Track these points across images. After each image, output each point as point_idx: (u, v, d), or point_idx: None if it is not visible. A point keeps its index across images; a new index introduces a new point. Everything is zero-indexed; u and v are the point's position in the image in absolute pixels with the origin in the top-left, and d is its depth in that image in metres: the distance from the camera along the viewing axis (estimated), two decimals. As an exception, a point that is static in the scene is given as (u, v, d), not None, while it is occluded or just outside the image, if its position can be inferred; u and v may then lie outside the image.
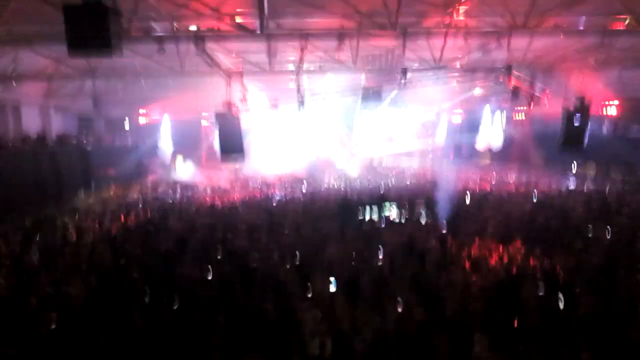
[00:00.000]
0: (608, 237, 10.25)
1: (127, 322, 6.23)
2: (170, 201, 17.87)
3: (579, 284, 7.38)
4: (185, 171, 24.65)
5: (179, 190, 20.05)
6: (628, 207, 13.64)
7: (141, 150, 23.33)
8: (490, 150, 27.64)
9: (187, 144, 25.78)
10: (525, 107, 22.31)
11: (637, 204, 14.01)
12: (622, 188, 17.85)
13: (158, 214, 15.00)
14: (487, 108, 26.83)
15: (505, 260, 9.23)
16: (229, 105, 15.07)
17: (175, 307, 6.82)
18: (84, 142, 20.87)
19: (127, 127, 24.57)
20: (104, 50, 6.44)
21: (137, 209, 15.94)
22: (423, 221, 12.93)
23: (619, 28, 11.72)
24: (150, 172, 23.51)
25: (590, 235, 10.53)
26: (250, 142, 25.92)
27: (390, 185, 21.45)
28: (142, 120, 24.61)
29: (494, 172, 23.89)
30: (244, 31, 11.04)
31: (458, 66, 15.01)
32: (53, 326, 6.16)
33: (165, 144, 24.77)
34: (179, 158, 25.56)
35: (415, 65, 14.51)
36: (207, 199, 18.39)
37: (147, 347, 5.60)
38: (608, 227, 10.67)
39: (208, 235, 11.45)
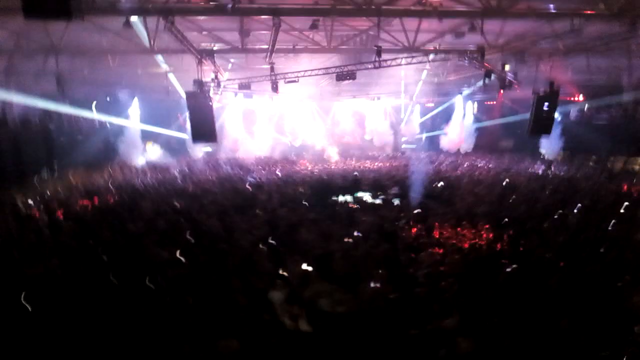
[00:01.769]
0: (573, 220, 10.52)
1: (92, 303, 6.02)
2: (140, 183, 17.40)
3: (545, 261, 7.57)
4: (155, 153, 24.05)
5: (148, 172, 19.55)
6: (592, 192, 14.09)
7: (108, 131, 22.55)
8: (460, 136, 28.01)
9: (156, 125, 25.05)
10: (495, 93, 22.82)
11: (600, 189, 14.51)
12: (588, 173, 18.44)
13: (127, 196, 14.59)
14: (458, 97, 27.09)
15: (475, 241, 9.41)
16: (201, 84, 14.73)
17: (143, 289, 6.60)
18: (47, 122, 20.02)
19: (93, 108, 23.58)
20: (62, 13, 6.02)
21: (105, 191, 15.46)
22: (395, 204, 13.01)
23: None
24: (119, 153, 22.75)
25: (555, 218, 10.77)
26: (223, 123, 25.59)
27: (363, 169, 21.55)
28: (109, 100, 23.69)
29: (464, 157, 24.27)
30: (214, 5, 10.70)
31: (432, 48, 15.02)
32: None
33: (134, 125, 23.97)
34: (149, 139, 24.88)
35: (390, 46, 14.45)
36: (178, 180, 18.01)
37: (114, 330, 5.40)
38: (573, 210, 11.04)
39: (179, 217, 11.20)
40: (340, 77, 15.01)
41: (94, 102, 22.62)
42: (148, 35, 14.02)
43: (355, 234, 9.18)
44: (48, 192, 14.52)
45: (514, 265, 7.09)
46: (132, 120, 23.89)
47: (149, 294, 6.49)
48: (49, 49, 15.57)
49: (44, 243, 8.94)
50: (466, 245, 9.13)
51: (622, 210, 11.01)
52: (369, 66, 14.08)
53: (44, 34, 14.94)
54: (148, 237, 9.26)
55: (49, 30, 14.69)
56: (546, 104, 15.22)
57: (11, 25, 14.06)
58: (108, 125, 22.53)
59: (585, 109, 21.54)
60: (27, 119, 18.98)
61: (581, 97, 20.86)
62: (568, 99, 20.25)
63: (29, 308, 5.93)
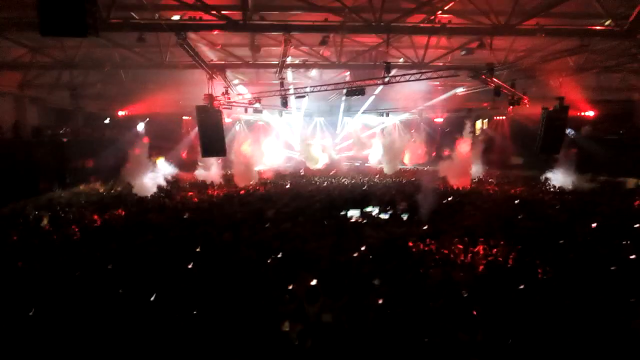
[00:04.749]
0: (586, 236, 10.40)
1: (101, 316, 6.02)
2: (150, 196, 17.52)
3: (558, 278, 7.47)
4: (165, 166, 24.23)
5: (158, 185, 19.70)
6: (605, 207, 13.92)
7: (120, 145, 22.82)
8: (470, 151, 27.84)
9: (167, 139, 25.34)
10: (505, 109, 22.82)
11: (613, 205, 14.34)
12: (599, 189, 18.22)
13: (137, 209, 14.68)
14: (468, 111, 26.99)
15: (485, 257, 9.29)
16: (211, 98, 14.91)
17: (150, 301, 6.58)
18: (60, 135, 20.33)
19: (106, 121, 23.99)
20: (77, 30, 6.16)
21: (116, 203, 15.59)
22: (404, 218, 12.94)
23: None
24: (129, 166, 23.02)
25: (568, 234, 10.64)
26: (234, 136, 25.81)
27: (372, 183, 21.53)
28: (121, 114, 24.10)
29: (474, 172, 24.05)
30: (226, 21, 10.86)
31: (441, 64, 15.10)
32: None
33: (145, 139, 24.25)
34: (159, 153, 25.11)
35: (400, 61, 14.56)
36: (188, 193, 18.14)
37: (121, 344, 5.39)
38: (584, 227, 10.91)
39: (188, 230, 11.23)
40: (350, 92, 15.10)
41: (106, 117, 23.02)
42: (161, 50, 14.27)
43: (364, 249, 9.12)
44: (60, 206, 14.67)
45: (524, 283, 7.00)
46: (141, 134, 24.22)
47: (157, 307, 6.48)
48: (64, 63, 15.89)
49: (55, 255, 9.01)
50: (476, 262, 9.03)
51: (635, 227, 10.88)
52: (378, 82, 14.16)
53: (59, 49, 15.30)
54: (157, 249, 9.29)
55: (64, 45, 15.04)
56: (556, 120, 15.17)
57: (28, 41, 14.42)
58: (119, 139, 22.78)
59: (595, 126, 21.40)
60: (40, 132, 19.31)
61: (592, 114, 20.74)
62: (578, 115, 20.13)
63: (37, 319, 5.96)
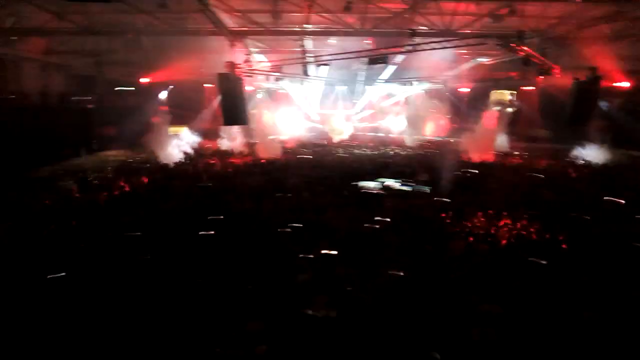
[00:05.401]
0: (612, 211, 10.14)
1: (126, 279, 6.20)
2: (174, 164, 17.73)
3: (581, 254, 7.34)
4: (187, 134, 24.43)
5: (182, 152, 19.90)
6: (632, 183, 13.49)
7: (143, 112, 23.05)
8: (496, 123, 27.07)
9: (190, 107, 25.41)
10: (534, 79, 21.99)
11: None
12: (630, 165, 17.61)
13: (162, 176, 14.89)
14: (495, 81, 26.12)
15: (507, 230, 9.18)
16: (232, 66, 14.78)
17: (174, 267, 6.73)
18: (85, 101, 20.63)
19: (129, 88, 24.16)
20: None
21: (141, 170, 15.86)
22: (426, 190, 12.79)
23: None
24: (153, 133, 23.29)
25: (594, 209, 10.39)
26: (255, 105, 25.71)
27: (393, 154, 21.33)
28: (144, 81, 24.19)
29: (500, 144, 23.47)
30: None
31: (468, 32, 14.52)
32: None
33: (168, 106, 24.38)
34: (182, 121, 25.24)
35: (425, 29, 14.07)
36: (211, 161, 18.29)
37: (143, 309, 5.53)
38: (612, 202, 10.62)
39: (211, 198, 11.38)
40: (373, 61, 14.73)
41: (129, 84, 23.16)
42: (182, 17, 14.13)
43: (383, 219, 9.09)
44: (86, 172, 15.00)
45: (545, 256, 6.91)
46: (165, 101, 24.38)
47: (180, 272, 6.63)
48: (88, 30, 15.92)
49: (84, 220, 9.26)
50: (499, 235, 8.93)
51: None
52: (403, 50, 13.76)
53: (83, 15, 15.32)
54: (179, 216, 9.47)
55: (88, 12, 15.03)
56: (588, 91, 14.56)
57: (52, 6, 14.46)
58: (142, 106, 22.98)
59: (629, 98, 20.51)
60: (66, 99, 19.61)
61: (627, 85, 19.79)
62: (612, 86, 19.23)
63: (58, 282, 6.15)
